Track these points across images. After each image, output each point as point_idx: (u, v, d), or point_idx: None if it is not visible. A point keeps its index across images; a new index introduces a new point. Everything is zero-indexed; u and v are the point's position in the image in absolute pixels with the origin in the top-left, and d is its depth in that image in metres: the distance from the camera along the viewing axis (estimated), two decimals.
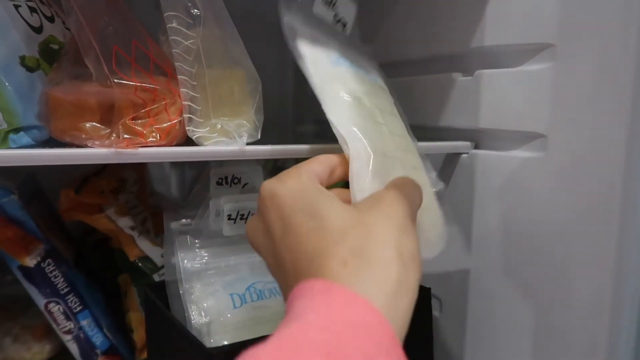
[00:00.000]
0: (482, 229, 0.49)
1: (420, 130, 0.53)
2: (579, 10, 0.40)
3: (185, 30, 0.41)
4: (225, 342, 0.41)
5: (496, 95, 0.47)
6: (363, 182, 0.34)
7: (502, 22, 0.46)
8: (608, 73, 0.38)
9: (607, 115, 0.39)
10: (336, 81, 0.39)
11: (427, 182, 0.39)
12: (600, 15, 0.38)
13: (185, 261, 0.45)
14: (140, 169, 0.63)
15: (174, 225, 0.46)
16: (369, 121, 0.38)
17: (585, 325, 0.41)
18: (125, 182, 0.57)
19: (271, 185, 0.30)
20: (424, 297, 0.45)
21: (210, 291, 0.44)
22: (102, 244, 0.60)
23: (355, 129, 0.36)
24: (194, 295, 0.44)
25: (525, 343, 0.46)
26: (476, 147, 0.50)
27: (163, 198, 0.68)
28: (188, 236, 0.46)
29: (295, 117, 0.91)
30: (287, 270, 0.28)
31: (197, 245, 0.46)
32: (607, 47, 0.38)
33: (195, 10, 0.41)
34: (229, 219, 0.45)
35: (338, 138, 0.36)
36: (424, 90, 0.55)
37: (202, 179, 0.49)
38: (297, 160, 0.60)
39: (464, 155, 0.51)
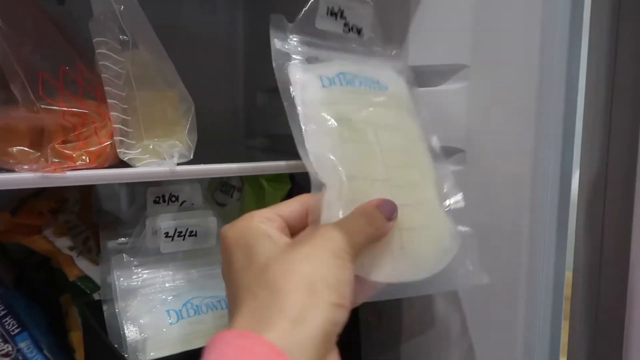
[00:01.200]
0: None
1: None
2: (489, 33, 0.43)
3: (115, 56, 0.42)
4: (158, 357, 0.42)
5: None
6: (333, 214, 0.34)
7: (423, 44, 0.48)
8: (514, 89, 0.41)
9: (515, 128, 0.42)
10: (323, 105, 0.38)
11: (430, 198, 0.39)
12: (507, 37, 0.42)
13: (122, 279, 0.46)
14: (84, 188, 0.63)
15: (110, 244, 0.47)
16: (354, 144, 0.37)
17: (504, 322, 0.44)
18: (66, 202, 0.57)
19: (225, 228, 0.33)
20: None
21: (147, 308, 0.45)
22: (44, 264, 0.60)
23: (332, 157, 0.36)
24: (129, 312, 0.44)
25: (452, 342, 0.48)
26: None
27: (109, 215, 0.68)
28: (124, 254, 0.47)
29: (247, 131, 0.93)
30: (229, 302, 0.32)
31: (134, 263, 0.47)
32: (513, 65, 0.41)
33: (124, 37, 0.42)
34: (166, 236, 0.46)
35: (311, 169, 0.36)
36: None
37: (139, 198, 0.50)
38: (243, 178, 0.61)
39: None
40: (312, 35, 0.40)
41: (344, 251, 0.30)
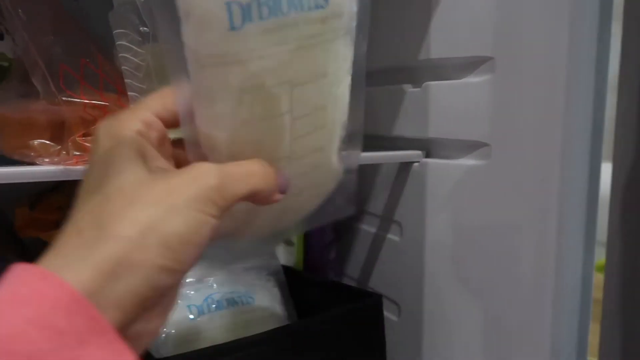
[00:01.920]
0: (434, 234, 0.51)
1: (374, 140, 0.55)
2: (514, 25, 0.42)
3: (135, 48, 0.41)
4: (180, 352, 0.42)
5: (442, 106, 0.49)
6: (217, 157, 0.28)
7: (445, 36, 0.47)
8: (542, 82, 0.40)
9: (543, 122, 0.41)
10: (227, 67, 0.26)
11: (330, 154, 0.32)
12: (534, 28, 0.41)
13: None
14: None
15: None
16: (260, 123, 0.28)
17: (530, 322, 0.43)
18: None
19: (100, 128, 0.27)
20: (376, 304, 0.47)
21: None
22: None
23: (226, 148, 0.28)
24: None
25: (477, 342, 0.47)
26: (427, 155, 0.52)
27: None
28: None
29: None
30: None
31: None
32: (541, 58, 0.40)
33: (144, 28, 0.41)
34: None
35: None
36: (376, 101, 0.57)
37: None
38: None
39: (416, 164, 0.52)
40: None
41: (212, 203, 0.24)
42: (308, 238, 0.59)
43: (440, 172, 0.49)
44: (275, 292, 0.50)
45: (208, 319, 0.45)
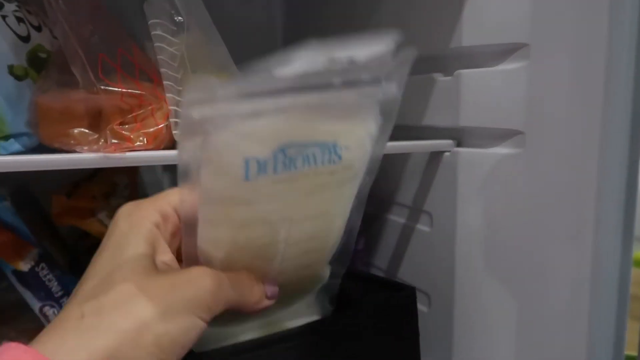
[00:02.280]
0: (465, 224, 0.50)
1: (403, 130, 0.55)
2: (550, 10, 0.41)
3: (170, 37, 0.42)
4: None
5: (475, 94, 0.48)
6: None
7: (478, 24, 0.47)
8: (580, 70, 0.40)
9: (580, 110, 0.40)
10: (236, 207, 0.27)
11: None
12: (571, 14, 0.40)
13: None
14: (131, 173, 0.64)
15: None
16: (255, 243, 0.29)
17: (565, 314, 0.42)
18: (117, 186, 0.58)
19: (122, 212, 0.30)
20: (409, 296, 0.46)
21: None
22: (95, 248, 0.61)
23: (220, 260, 0.29)
24: None
25: (509, 334, 0.47)
26: (458, 145, 0.51)
27: None
28: None
29: None
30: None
31: None
32: (578, 44, 0.40)
33: (179, 18, 0.42)
34: None
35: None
36: (406, 91, 0.56)
37: None
38: None
39: (447, 154, 0.52)
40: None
41: (206, 306, 0.26)
42: None
43: (472, 161, 0.49)
44: None
45: None
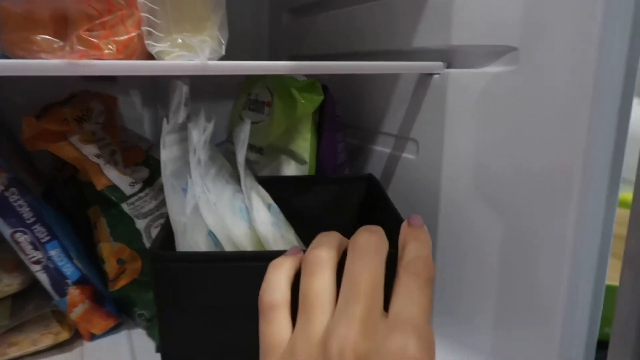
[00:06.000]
0: (453, 150, 0.49)
1: (394, 55, 0.52)
2: None
3: None
4: None
5: (468, 11, 0.46)
6: None
7: None
8: None
9: (579, 22, 0.38)
10: None
11: None
12: None
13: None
14: (108, 101, 0.61)
15: None
16: None
17: (551, 235, 0.42)
18: (91, 111, 0.55)
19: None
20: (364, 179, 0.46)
21: None
22: (71, 180, 0.59)
23: None
24: None
25: (494, 261, 0.46)
26: (448, 67, 0.49)
27: (133, 135, 0.66)
28: None
29: (271, 52, 0.89)
30: None
31: None
32: None
33: None
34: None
35: None
36: (396, 12, 0.54)
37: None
38: (272, 90, 0.57)
39: (436, 76, 0.50)
40: None
41: None
42: (320, 159, 0.58)
43: (463, 82, 0.47)
44: None
45: None
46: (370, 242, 0.29)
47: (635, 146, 0.39)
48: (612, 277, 0.42)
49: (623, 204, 0.40)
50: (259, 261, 0.33)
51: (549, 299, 0.43)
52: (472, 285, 0.49)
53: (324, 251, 0.30)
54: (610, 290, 0.42)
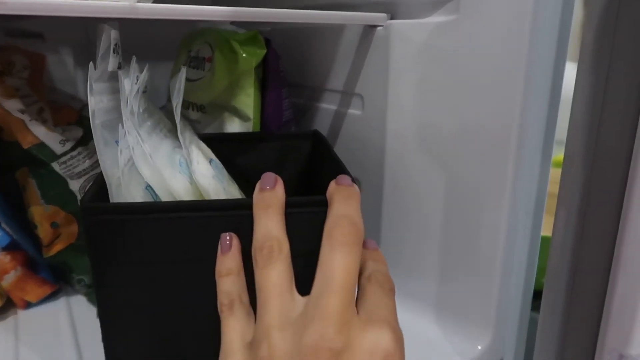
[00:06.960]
0: (397, 103, 0.49)
1: (339, 8, 0.51)
2: None
3: None
4: None
5: None
6: None
7: None
8: None
9: None
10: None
11: None
12: None
13: None
14: (35, 58, 0.57)
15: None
16: None
17: (488, 200, 0.43)
18: (12, 65, 0.51)
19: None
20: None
21: None
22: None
23: None
24: None
25: (437, 215, 0.47)
26: (392, 18, 0.48)
27: (64, 94, 0.62)
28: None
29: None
30: None
31: None
32: None
33: None
34: None
35: None
36: None
37: None
38: (212, 46, 0.55)
39: (379, 28, 0.49)
40: None
41: None
42: (265, 116, 0.56)
43: (406, 34, 0.47)
44: None
45: None
46: (350, 233, 0.29)
47: (567, 108, 0.41)
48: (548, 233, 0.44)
49: (557, 164, 0.42)
50: (196, 211, 0.32)
51: (489, 250, 0.44)
52: (416, 237, 0.50)
53: (274, 240, 0.30)
54: (546, 242, 0.44)
